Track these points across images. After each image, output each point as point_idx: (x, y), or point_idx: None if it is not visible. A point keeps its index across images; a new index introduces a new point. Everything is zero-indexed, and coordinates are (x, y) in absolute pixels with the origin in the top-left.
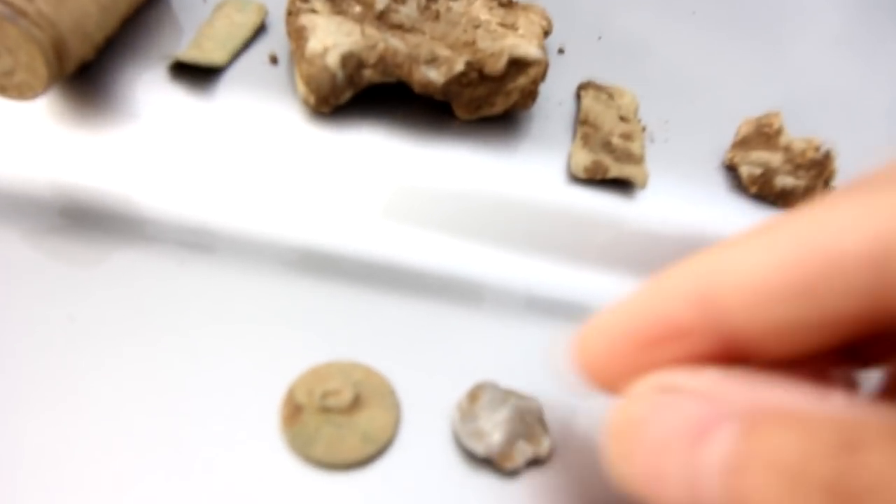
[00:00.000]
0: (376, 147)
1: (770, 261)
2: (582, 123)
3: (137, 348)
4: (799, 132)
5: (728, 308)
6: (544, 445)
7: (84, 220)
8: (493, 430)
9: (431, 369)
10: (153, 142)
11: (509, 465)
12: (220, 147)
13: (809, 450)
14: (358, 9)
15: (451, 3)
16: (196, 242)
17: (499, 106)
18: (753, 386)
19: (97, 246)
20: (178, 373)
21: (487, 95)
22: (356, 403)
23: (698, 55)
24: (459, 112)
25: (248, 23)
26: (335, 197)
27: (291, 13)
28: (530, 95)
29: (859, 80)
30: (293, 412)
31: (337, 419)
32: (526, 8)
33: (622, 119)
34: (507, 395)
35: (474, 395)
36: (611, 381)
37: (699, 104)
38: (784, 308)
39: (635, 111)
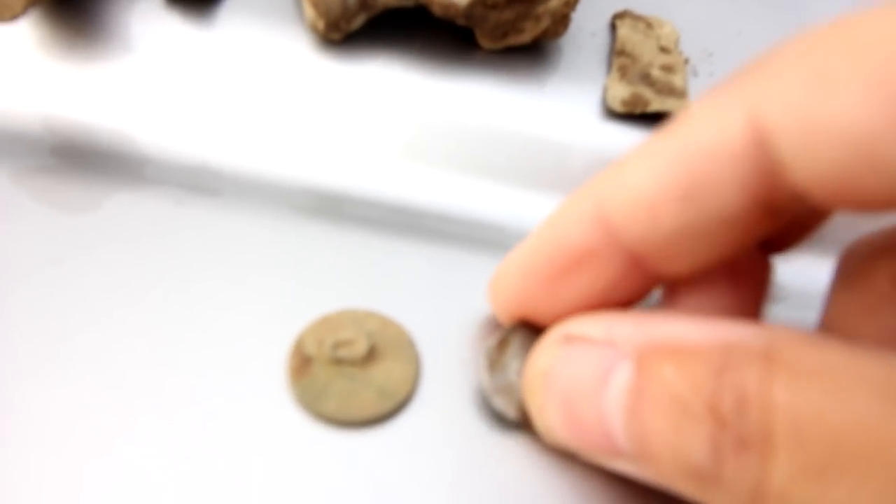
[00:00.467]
0: (392, 79)
1: (651, 170)
2: (618, 54)
3: (130, 294)
4: None
5: (621, 224)
6: None
7: (76, 160)
8: None
9: (454, 320)
10: (149, 74)
11: None
12: (221, 80)
13: (691, 377)
14: None
15: None
16: (196, 184)
17: (527, 33)
18: (646, 324)
19: (90, 187)
20: (175, 321)
21: (515, 20)
22: (371, 355)
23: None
24: (483, 41)
25: None
26: (347, 134)
27: None
28: (562, 21)
29: None
30: (302, 364)
31: (350, 372)
32: None
33: (662, 50)
34: None
35: (504, 341)
36: (533, 318)
37: (746, 36)
38: (671, 216)
39: (676, 42)
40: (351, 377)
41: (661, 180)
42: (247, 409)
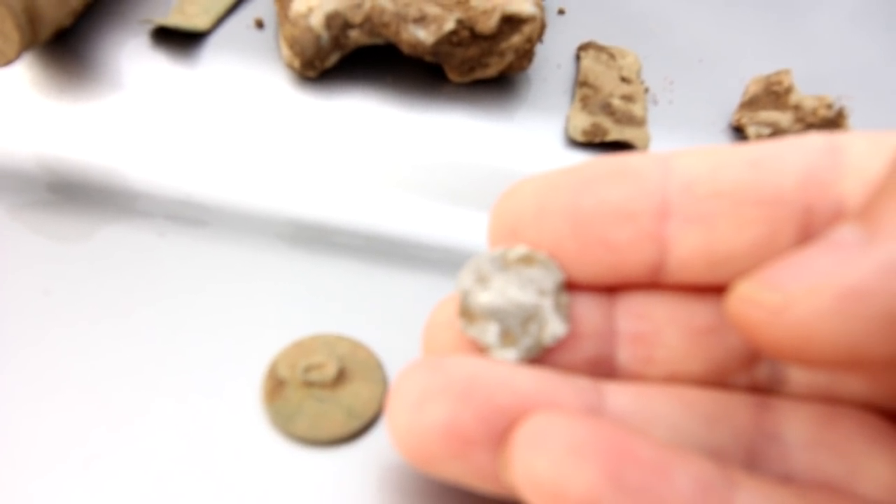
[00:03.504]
0: (366, 112)
1: None
2: (581, 85)
3: (115, 322)
4: (812, 93)
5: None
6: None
7: (70, 194)
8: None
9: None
10: (137, 111)
11: None
12: (204, 115)
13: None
14: None
15: None
16: (181, 214)
17: (493, 67)
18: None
19: (81, 219)
20: (157, 347)
21: (480, 56)
22: (341, 377)
23: (706, 15)
24: (452, 74)
25: None
26: (323, 165)
27: None
28: (526, 56)
29: (877, 45)
30: (275, 387)
31: (320, 394)
32: None
33: (624, 80)
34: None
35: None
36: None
37: (706, 64)
38: None
39: (638, 72)
40: (321, 399)
41: None
42: (224, 429)
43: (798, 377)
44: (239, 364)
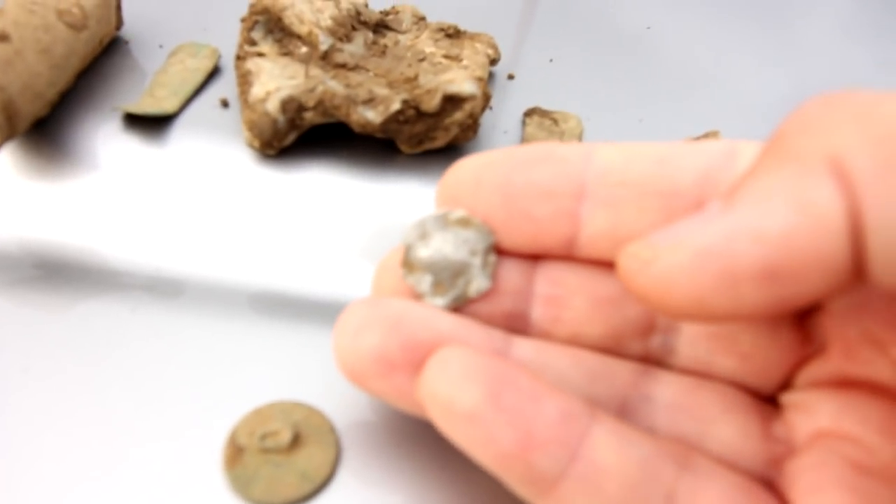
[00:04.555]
0: (324, 185)
1: None
2: None
3: (87, 396)
4: None
5: None
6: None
7: (50, 271)
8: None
9: (375, 408)
10: (110, 191)
11: None
12: (173, 192)
13: None
14: (304, 49)
15: (399, 37)
16: (154, 287)
17: (440, 140)
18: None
19: (59, 296)
20: (127, 418)
21: (427, 131)
22: (295, 443)
23: (650, 73)
24: (403, 147)
25: (201, 68)
26: (286, 236)
27: (240, 57)
28: (470, 128)
29: (867, 55)
30: (235, 454)
31: (276, 459)
32: (473, 37)
33: None
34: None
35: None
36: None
37: (647, 123)
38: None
39: (580, 135)
40: (277, 464)
41: None
42: (187, 495)
43: (685, 350)
44: (202, 431)
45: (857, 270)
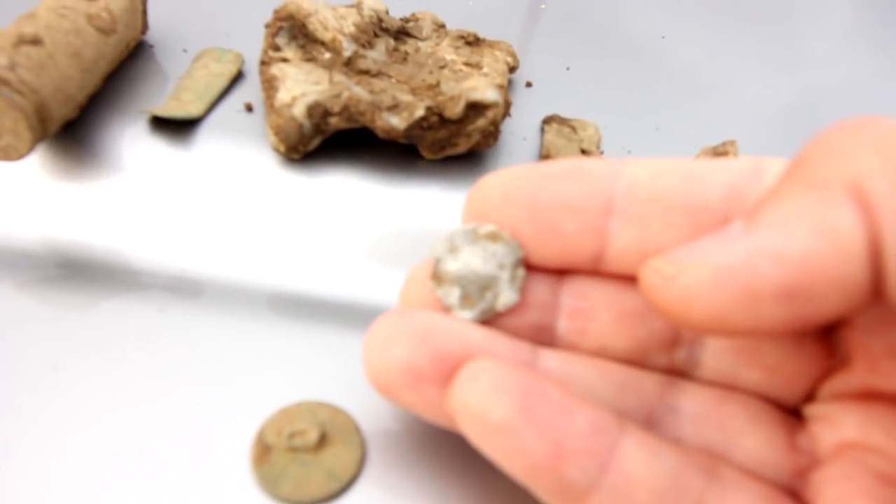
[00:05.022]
0: (348, 189)
1: None
2: (543, 158)
3: (117, 394)
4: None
5: None
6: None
7: (76, 271)
8: None
9: (398, 409)
10: (136, 192)
11: None
12: (198, 195)
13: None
14: (327, 55)
15: (419, 44)
16: (178, 288)
17: (462, 146)
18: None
19: (86, 295)
20: (156, 415)
21: (449, 137)
22: (322, 442)
23: (666, 82)
24: (425, 152)
25: (225, 72)
26: (309, 239)
27: (264, 62)
28: (491, 135)
29: (873, 63)
30: (262, 452)
31: (303, 458)
32: (492, 45)
33: (584, 152)
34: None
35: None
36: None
37: (663, 131)
38: None
39: (598, 143)
40: (304, 462)
41: None
42: (216, 493)
43: (710, 362)
44: (230, 430)
45: (875, 291)
